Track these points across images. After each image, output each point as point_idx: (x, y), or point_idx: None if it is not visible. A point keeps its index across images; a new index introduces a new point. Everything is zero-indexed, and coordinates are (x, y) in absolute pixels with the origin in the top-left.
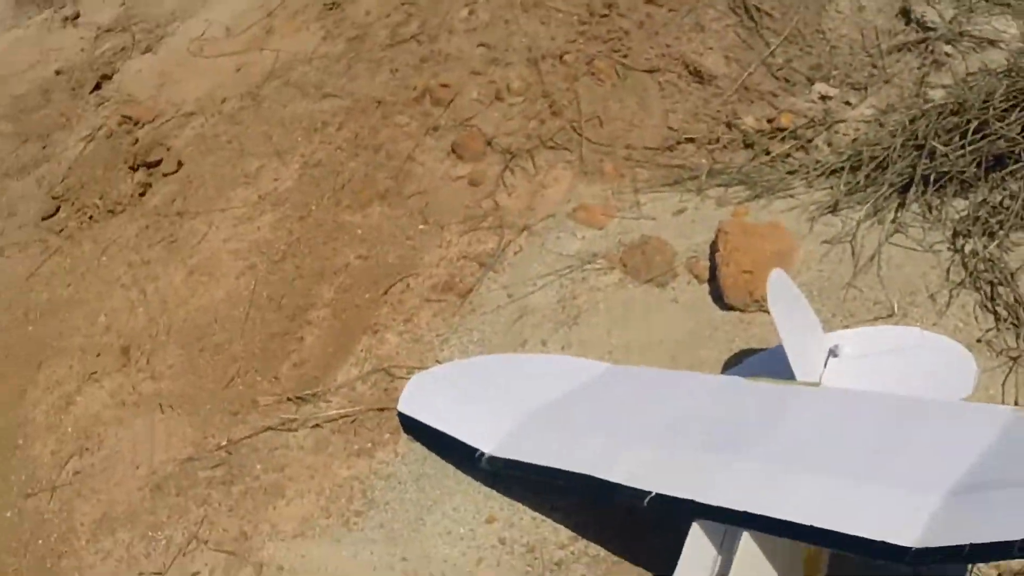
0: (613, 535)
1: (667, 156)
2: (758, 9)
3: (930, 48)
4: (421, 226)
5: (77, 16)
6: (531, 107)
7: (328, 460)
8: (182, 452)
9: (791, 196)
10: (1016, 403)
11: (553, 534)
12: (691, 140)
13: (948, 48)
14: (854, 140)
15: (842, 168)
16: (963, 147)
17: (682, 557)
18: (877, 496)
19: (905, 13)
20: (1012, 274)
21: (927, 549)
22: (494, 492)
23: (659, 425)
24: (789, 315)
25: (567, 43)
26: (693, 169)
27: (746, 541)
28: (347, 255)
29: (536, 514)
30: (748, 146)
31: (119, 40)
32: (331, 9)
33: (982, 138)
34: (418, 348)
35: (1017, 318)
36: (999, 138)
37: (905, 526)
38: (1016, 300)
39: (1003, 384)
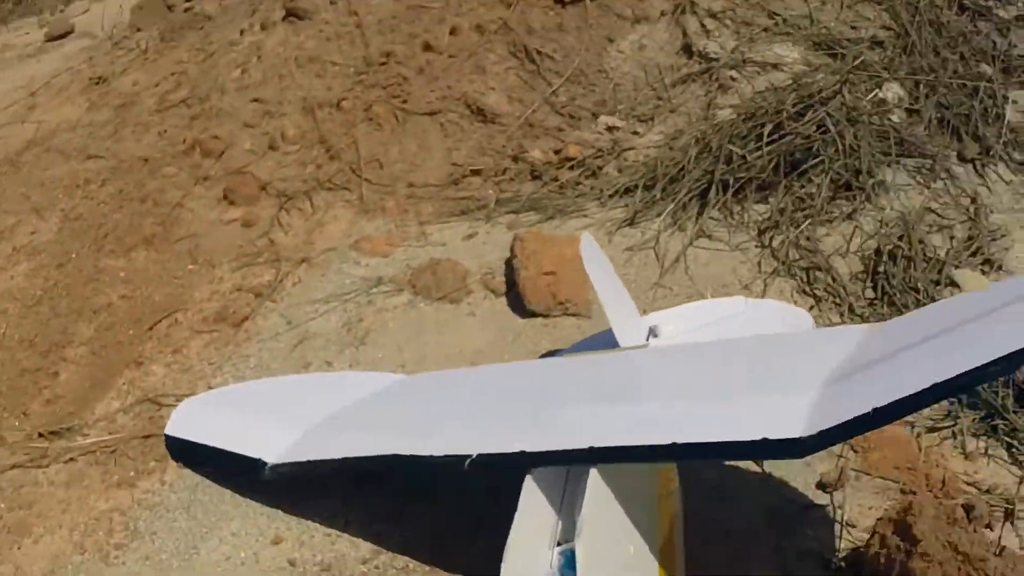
0: (421, 543)
1: (453, 190)
2: (539, 52)
3: (715, 76)
4: (191, 266)
5: None
6: (307, 153)
7: (84, 494)
8: None
9: (585, 216)
10: None
11: (352, 549)
12: (477, 172)
13: (733, 73)
14: (645, 163)
15: (636, 186)
16: (759, 149)
17: (517, 516)
18: (747, 405)
19: (687, 48)
20: (827, 258)
21: (820, 432)
22: (279, 512)
23: (473, 405)
24: (606, 277)
25: (344, 92)
26: (480, 200)
27: (594, 479)
28: (109, 295)
29: (330, 530)
30: (536, 177)
31: None
32: (97, 84)
33: (779, 139)
34: (188, 377)
35: (839, 297)
36: (795, 136)
37: (788, 421)
38: (834, 279)
39: None
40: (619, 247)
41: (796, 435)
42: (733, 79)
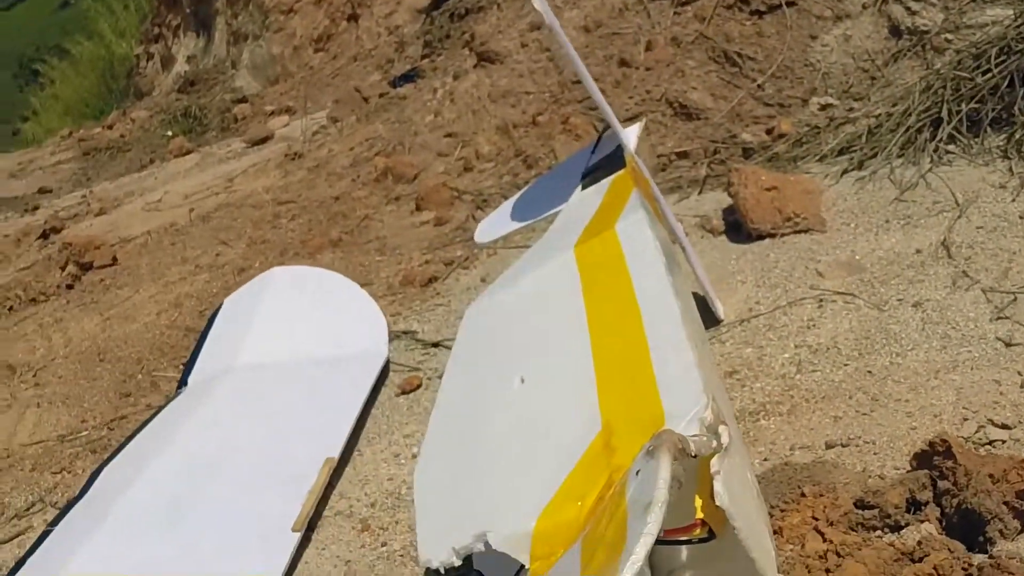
0: None
1: (661, 176)
2: (739, 55)
3: (928, 45)
4: (378, 257)
5: (37, 208)
6: (503, 167)
7: None
8: (51, 435)
9: (806, 172)
10: None
11: None
12: (684, 155)
13: (948, 36)
14: (870, 129)
15: (860, 136)
16: (988, 71)
17: None
18: None
19: (894, 30)
20: None
21: None
22: None
23: None
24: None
25: (540, 111)
26: (692, 177)
27: None
28: None
29: None
30: (748, 156)
31: (74, 211)
32: (292, 159)
33: (1007, 59)
34: None
35: None
36: None
37: None
38: None
39: None
40: (848, 181)
41: None
42: (948, 41)
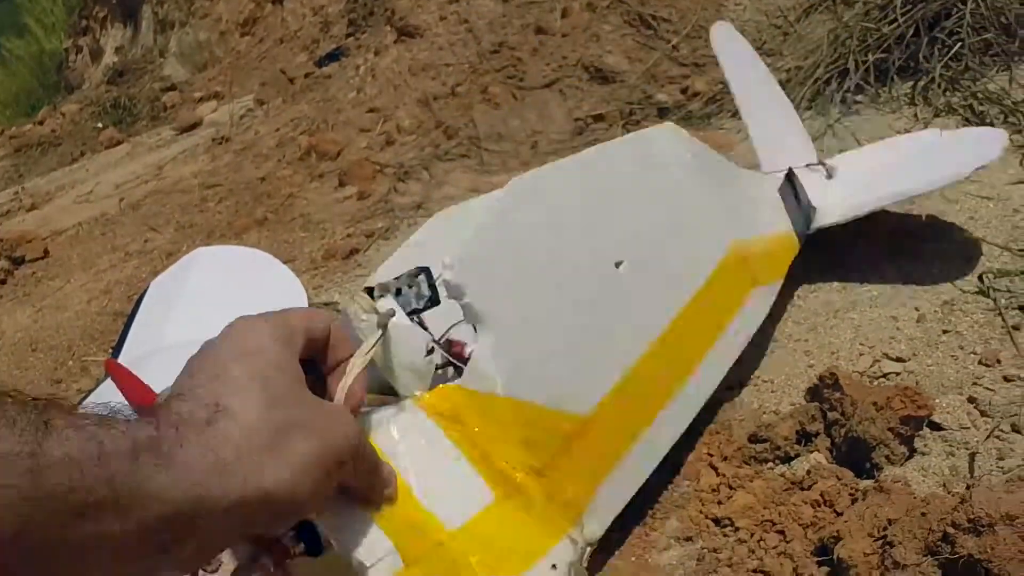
0: None
1: (578, 140)
2: (654, 17)
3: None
4: (302, 234)
5: None
6: (424, 139)
7: None
8: None
9: (720, 129)
10: None
11: None
12: (600, 118)
13: None
14: (781, 83)
15: None
16: (895, 21)
17: None
18: None
19: None
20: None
21: None
22: None
23: None
24: (745, 72)
25: (459, 81)
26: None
27: None
28: None
29: None
30: (663, 116)
31: (6, 208)
32: (220, 144)
33: (912, 8)
34: None
35: (1015, 116)
36: (930, 2)
37: None
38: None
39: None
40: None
41: None
42: None
